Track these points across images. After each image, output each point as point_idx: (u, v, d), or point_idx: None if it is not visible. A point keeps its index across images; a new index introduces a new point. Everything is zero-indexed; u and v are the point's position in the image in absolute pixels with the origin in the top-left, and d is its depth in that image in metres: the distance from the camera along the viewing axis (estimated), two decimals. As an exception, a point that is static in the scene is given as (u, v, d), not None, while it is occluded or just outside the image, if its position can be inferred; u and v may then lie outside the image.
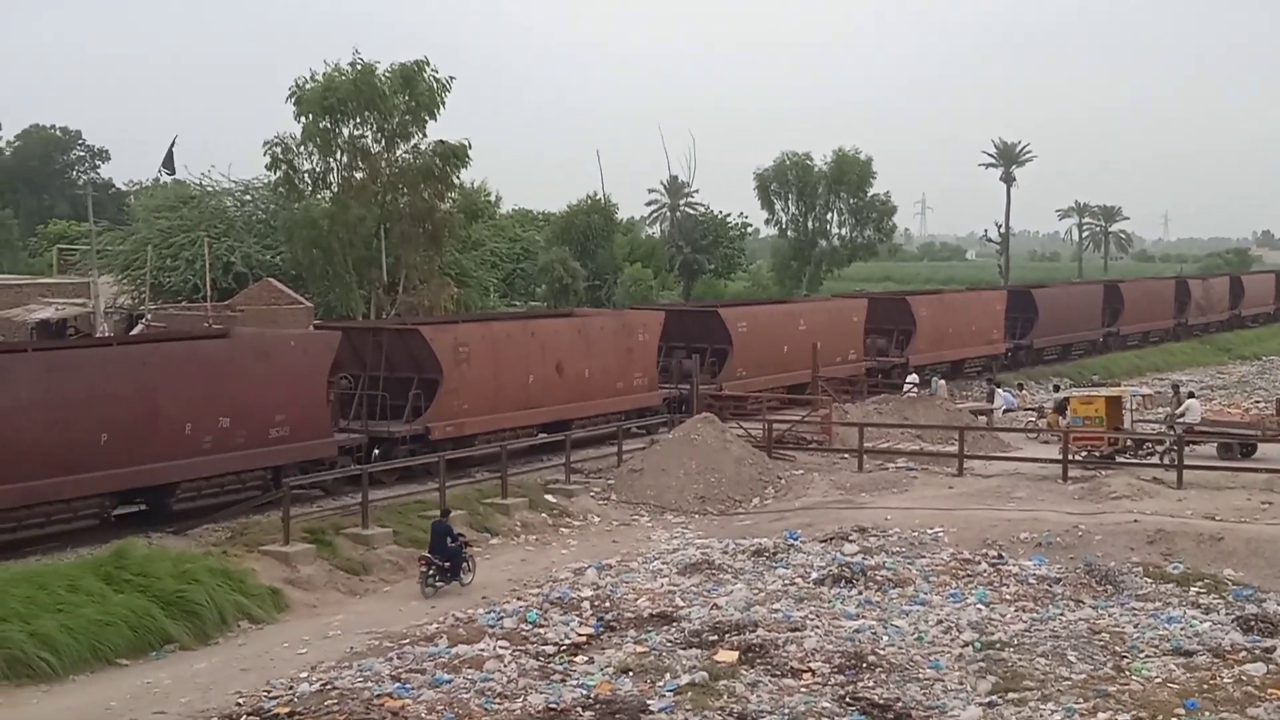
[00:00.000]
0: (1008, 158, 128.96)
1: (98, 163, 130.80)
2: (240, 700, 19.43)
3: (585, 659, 20.96)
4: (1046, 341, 66.03)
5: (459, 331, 36.48)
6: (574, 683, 19.71)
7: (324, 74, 51.91)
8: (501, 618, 23.18)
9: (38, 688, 20.09)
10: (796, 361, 47.26)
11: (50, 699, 19.74)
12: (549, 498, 32.14)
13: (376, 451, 33.10)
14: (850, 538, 28.39)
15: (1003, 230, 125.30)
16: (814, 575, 25.65)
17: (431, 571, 25.61)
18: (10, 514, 25.10)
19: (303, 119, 51.77)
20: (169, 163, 61.71)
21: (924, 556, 27.04)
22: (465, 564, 26.09)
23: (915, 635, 21.88)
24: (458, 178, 55.17)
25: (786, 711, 18.38)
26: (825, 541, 28.24)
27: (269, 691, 19.76)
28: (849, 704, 18.73)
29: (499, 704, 18.78)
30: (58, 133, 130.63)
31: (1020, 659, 20.63)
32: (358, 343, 34.43)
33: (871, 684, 19.57)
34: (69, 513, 26.20)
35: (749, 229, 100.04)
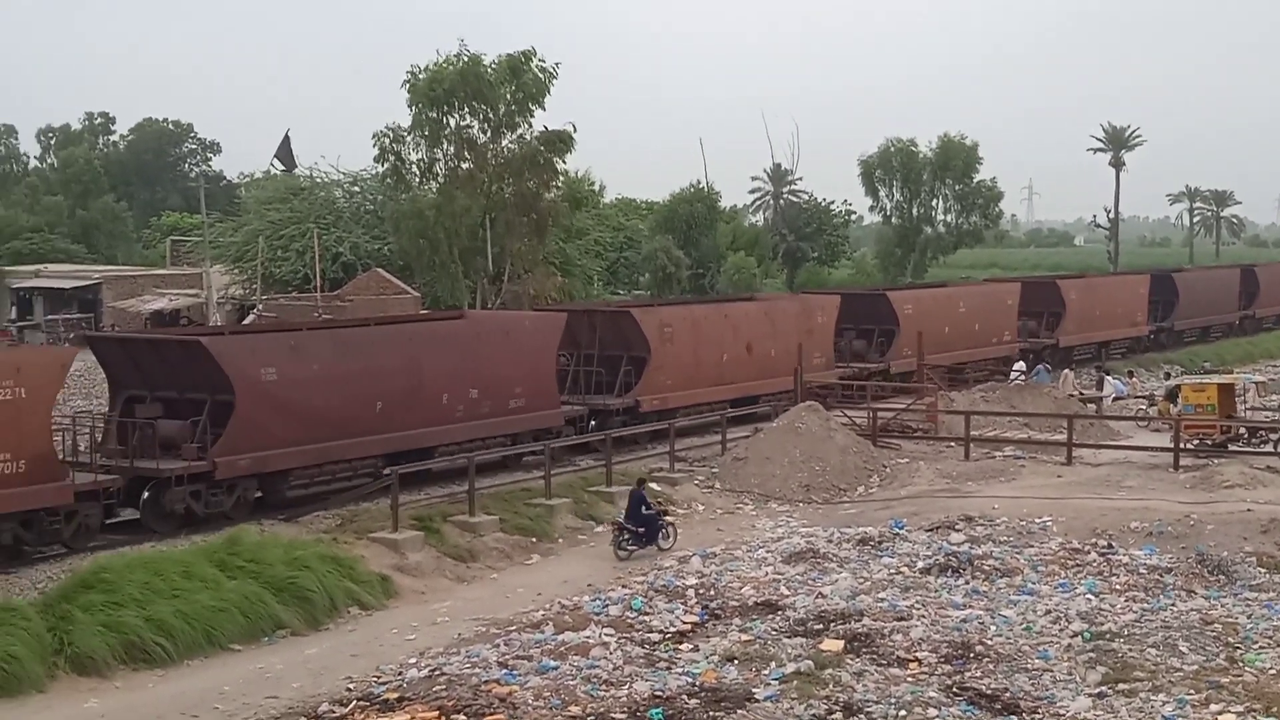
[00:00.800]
0: (1116, 142, 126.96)
1: (209, 155, 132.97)
2: (350, 685, 19.70)
3: (690, 647, 21.00)
4: (1186, 324, 67.84)
5: (664, 313, 40.61)
6: (679, 670, 19.76)
7: (432, 65, 52.36)
8: (607, 605, 23.29)
9: (154, 672, 20.51)
10: (958, 341, 50.85)
11: (166, 683, 20.14)
12: (654, 486, 32.19)
13: (593, 423, 36.09)
14: (957, 527, 28.18)
15: (1111, 215, 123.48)
16: (920, 564, 25.50)
17: (625, 537, 27.41)
18: (307, 471, 28.74)
19: (411, 109, 52.30)
20: (285, 156, 62.55)
21: (1032, 546, 26.76)
22: (664, 530, 27.81)
23: (1023, 625, 21.69)
24: (563, 162, 55.42)
25: (893, 701, 18.31)
26: (931, 530, 28.06)
27: (378, 677, 20.02)
28: (956, 694, 18.62)
29: (605, 691, 18.88)
30: (170, 126, 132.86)
31: (1130, 650, 20.38)
32: (573, 323, 37.42)
33: (979, 674, 19.43)
34: (350, 471, 29.62)
35: (853, 216, 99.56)
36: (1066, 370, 49.34)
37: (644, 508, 27.74)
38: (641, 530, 27.54)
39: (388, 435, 30.10)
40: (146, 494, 26.78)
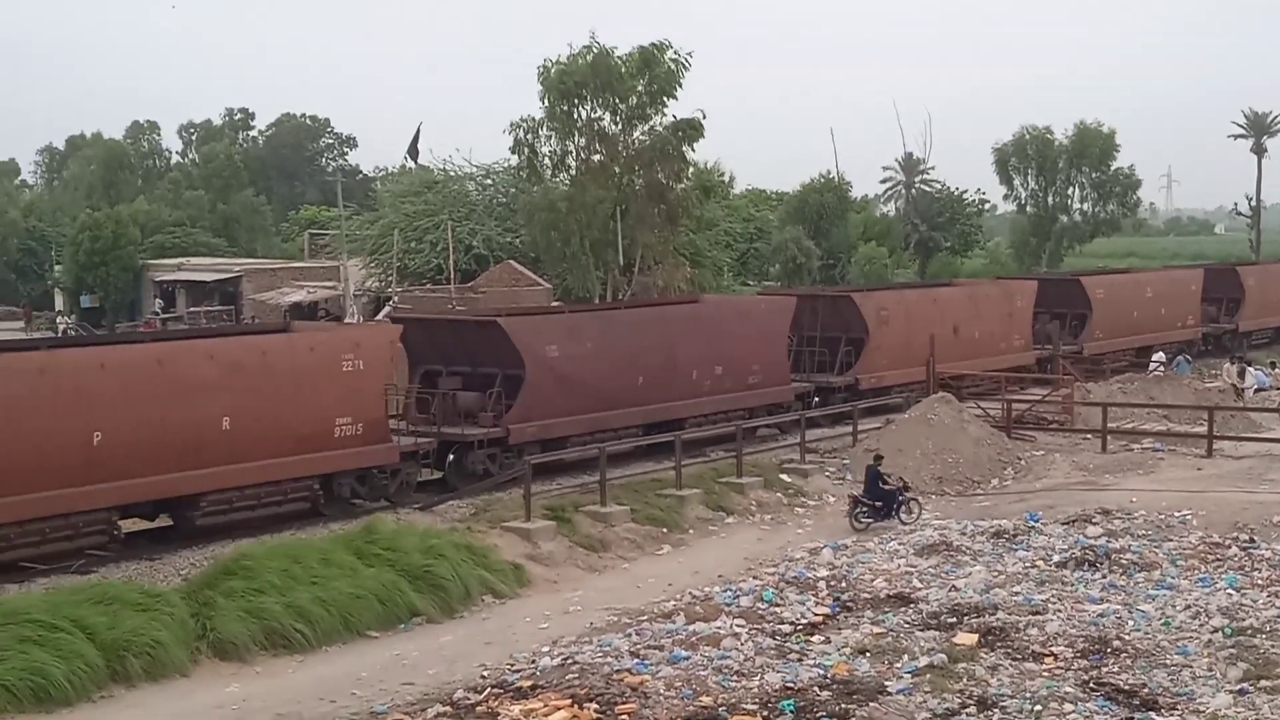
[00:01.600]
0: (1258, 128, 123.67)
1: (346, 149, 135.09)
2: (485, 673, 19.92)
3: (822, 639, 20.94)
4: None
5: (880, 298, 43.71)
6: (811, 662, 19.72)
7: (564, 58, 52.65)
8: (738, 596, 23.30)
9: (293, 657, 20.91)
10: (1145, 325, 52.99)
11: (305, 669, 20.53)
12: (784, 477, 32.17)
13: (816, 399, 39.03)
14: (1094, 520, 27.77)
15: (1253, 204, 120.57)
16: (1056, 558, 25.17)
17: (860, 510, 28.82)
18: (580, 438, 31.94)
19: (545, 102, 52.63)
20: (413, 150, 63.33)
21: (1171, 540, 26.30)
22: (905, 505, 29.05)
23: (1162, 620, 21.32)
24: (692, 150, 55.39)
25: (1028, 695, 18.11)
26: (1067, 524, 27.68)
27: (512, 665, 20.23)
28: (1093, 689, 18.36)
29: (736, 682, 18.90)
30: (308, 121, 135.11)
31: (1273, 646, 19.92)
32: (798, 307, 40.23)
33: (1116, 669, 19.14)
34: (616, 439, 32.63)
35: (986, 205, 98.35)
36: (1228, 363, 48.26)
37: (881, 482, 29.01)
38: (879, 504, 28.85)
39: (647, 407, 33.82)
40: (451, 456, 30.26)
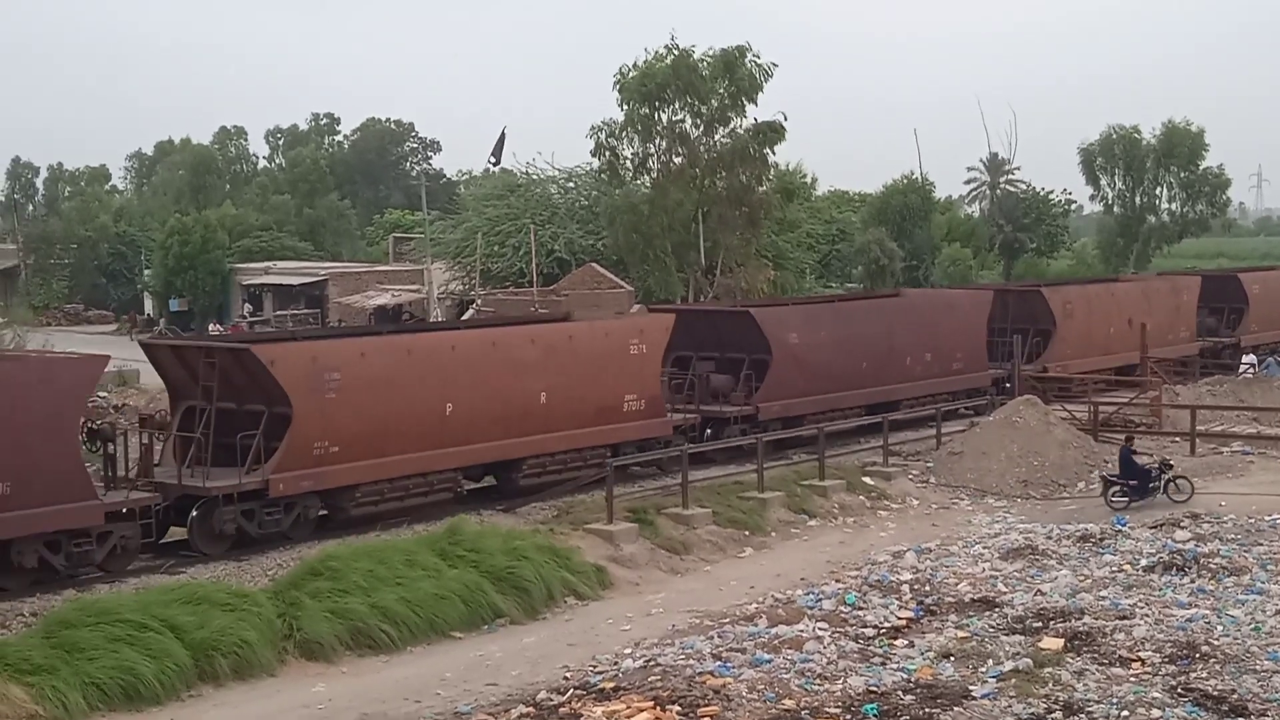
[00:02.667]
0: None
1: (429, 154, 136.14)
2: (567, 674, 19.99)
3: (905, 642, 20.84)
4: None
5: (1066, 292, 46.72)
6: (894, 666, 19.62)
7: (643, 61, 52.76)
8: (820, 599, 23.23)
9: (378, 658, 21.08)
10: None
11: (390, 669, 20.69)
12: (867, 480, 32.03)
13: (1008, 384, 41.14)
14: (1182, 524, 27.45)
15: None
16: (1143, 562, 24.90)
17: (1113, 490, 29.88)
18: (815, 416, 35.25)
19: (625, 106, 52.78)
20: (498, 153, 63.72)
21: (1261, 544, 25.93)
22: (1174, 483, 29.96)
23: (1252, 625, 21.02)
24: (773, 152, 55.33)
25: (1115, 701, 17.92)
26: (1155, 527, 27.38)
27: (595, 666, 20.28)
28: (1181, 695, 18.13)
29: (819, 685, 18.84)
30: (392, 126, 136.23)
31: (1367, 653, 19.60)
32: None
33: (1205, 675, 18.90)
34: (843, 417, 36.15)
35: (1073, 206, 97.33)
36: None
37: (1134, 462, 30.13)
38: (1134, 483, 29.74)
39: (869, 389, 37.43)
40: (710, 430, 33.57)
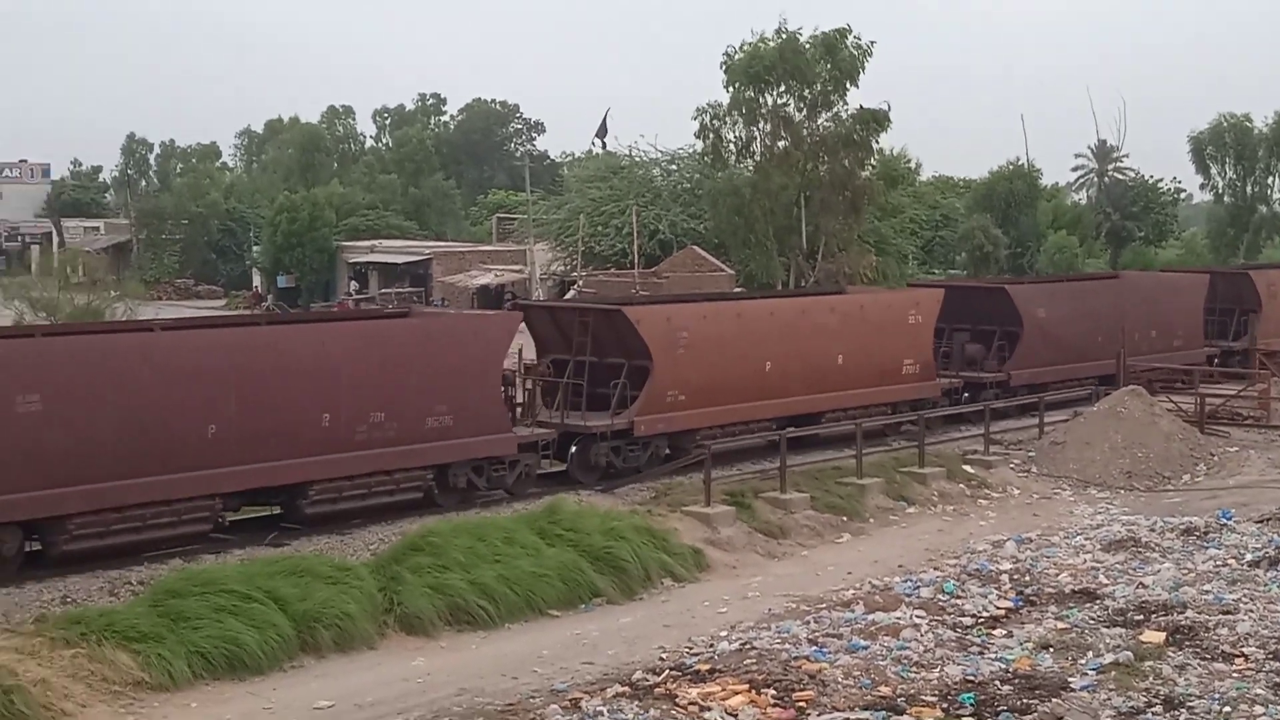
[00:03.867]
0: None
1: (534, 135, 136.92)
2: (663, 655, 20.07)
3: (1004, 632, 20.69)
4: None
5: (1271, 275, 49.35)
6: (992, 656, 19.50)
7: (750, 44, 52.68)
8: (918, 587, 23.13)
9: (476, 634, 21.27)
10: None
11: (488, 644, 20.89)
12: (967, 468, 31.81)
13: (1216, 360, 44.49)
14: (1289, 519, 27.01)
15: None
16: (1248, 557, 24.50)
17: None
18: (1055, 384, 38.72)
19: (730, 88, 52.74)
20: (602, 133, 63.93)
21: (1371, 542, 25.43)
22: None
23: (1360, 625, 20.64)
24: (877, 142, 55.06)
25: (1217, 696, 17.68)
26: (1261, 522, 26.94)
27: (690, 648, 20.34)
28: (1285, 692, 17.88)
29: (915, 673, 18.77)
30: (497, 106, 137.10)
31: None
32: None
33: (1311, 673, 18.61)
34: (1077, 384, 39.67)
35: (1182, 195, 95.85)
36: None
37: None
38: None
39: (1103, 360, 39.83)
40: (965, 395, 37.38)
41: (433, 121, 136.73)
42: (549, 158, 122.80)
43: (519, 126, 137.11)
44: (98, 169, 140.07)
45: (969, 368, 37.85)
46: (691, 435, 30.01)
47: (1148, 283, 46.42)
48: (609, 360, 29.54)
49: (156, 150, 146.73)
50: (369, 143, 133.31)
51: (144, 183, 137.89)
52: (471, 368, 26.52)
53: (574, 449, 28.84)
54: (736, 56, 52.94)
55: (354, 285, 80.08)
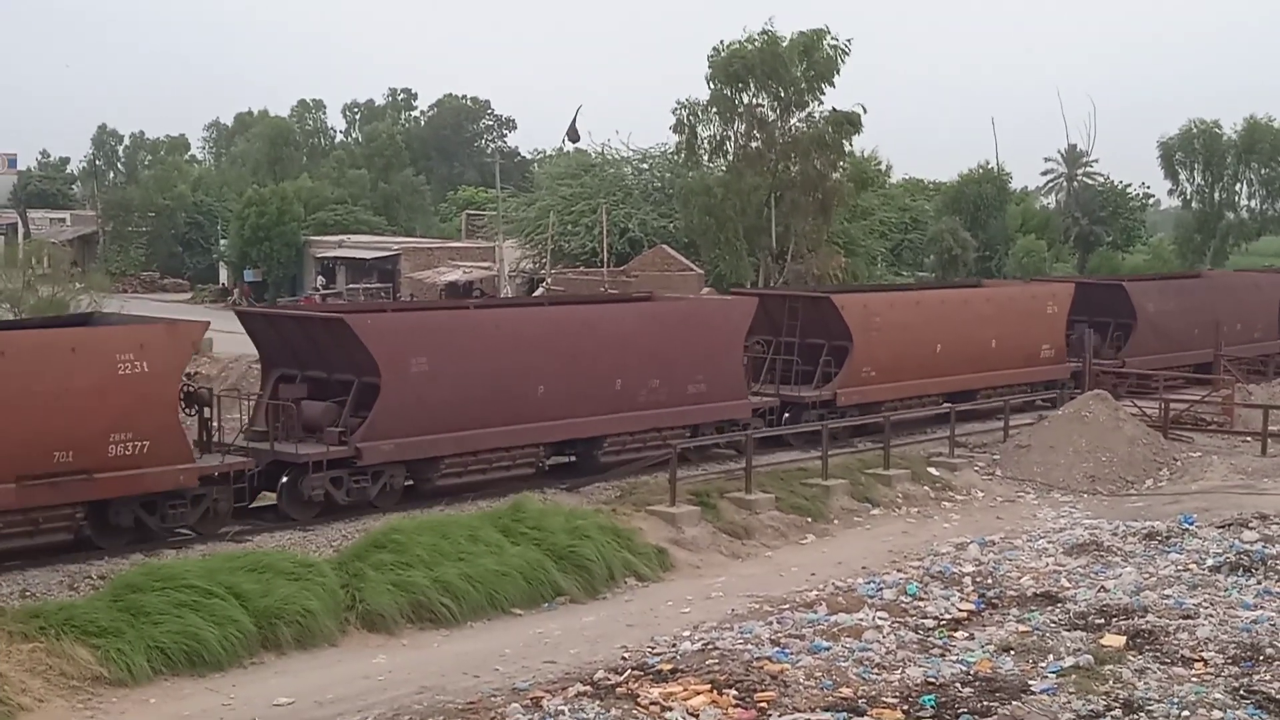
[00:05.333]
0: None
1: (505, 131, 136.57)
2: (625, 654, 20.06)
3: (965, 635, 20.75)
4: None
5: None
6: (953, 658, 19.55)
7: (733, 43, 52.75)
8: (881, 589, 23.18)
9: (438, 631, 21.25)
10: None
11: (450, 643, 20.86)
12: (932, 470, 31.90)
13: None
14: (1250, 524, 27.14)
15: None
16: (1209, 562, 24.63)
17: None
18: (1159, 374, 40.83)
19: (712, 85, 52.78)
20: (573, 132, 63.83)
21: (1331, 548, 25.58)
22: None
23: (1319, 630, 20.76)
24: (850, 144, 55.16)
25: (1175, 701, 17.76)
26: (1223, 527, 27.10)
27: (653, 648, 20.34)
28: (1243, 697, 17.94)
29: (877, 674, 18.81)
30: (468, 102, 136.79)
31: None
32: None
33: (1269, 677, 18.68)
34: (1183, 378, 42.70)
35: (1151, 200, 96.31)
36: None
37: None
38: None
39: (1200, 350, 44.18)
40: (1073, 386, 39.45)
41: (403, 117, 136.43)
42: (520, 155, 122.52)
43: (490, 123, 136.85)
44: (65, 160, 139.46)
45: (1092, 355, 41.24)
46: (878, 406, 33.88)
47: (1234, 281, 51.92)
48: (810, 340, 34.23)
49: (126, 142, 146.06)
50: (339, 137, 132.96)
51: (111, 174, 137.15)
52: (720, 343, 31.56)
53: (786, 415, 33.12)
54: (722, 54, 52.99)
55: (321, 280, 79.76)
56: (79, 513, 22.17)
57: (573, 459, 29.71)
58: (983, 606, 22.30)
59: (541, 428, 28.08)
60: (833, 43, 52.75)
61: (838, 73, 52.92)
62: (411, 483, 26.76)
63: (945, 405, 34.96)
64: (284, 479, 24.94)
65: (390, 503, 25.95)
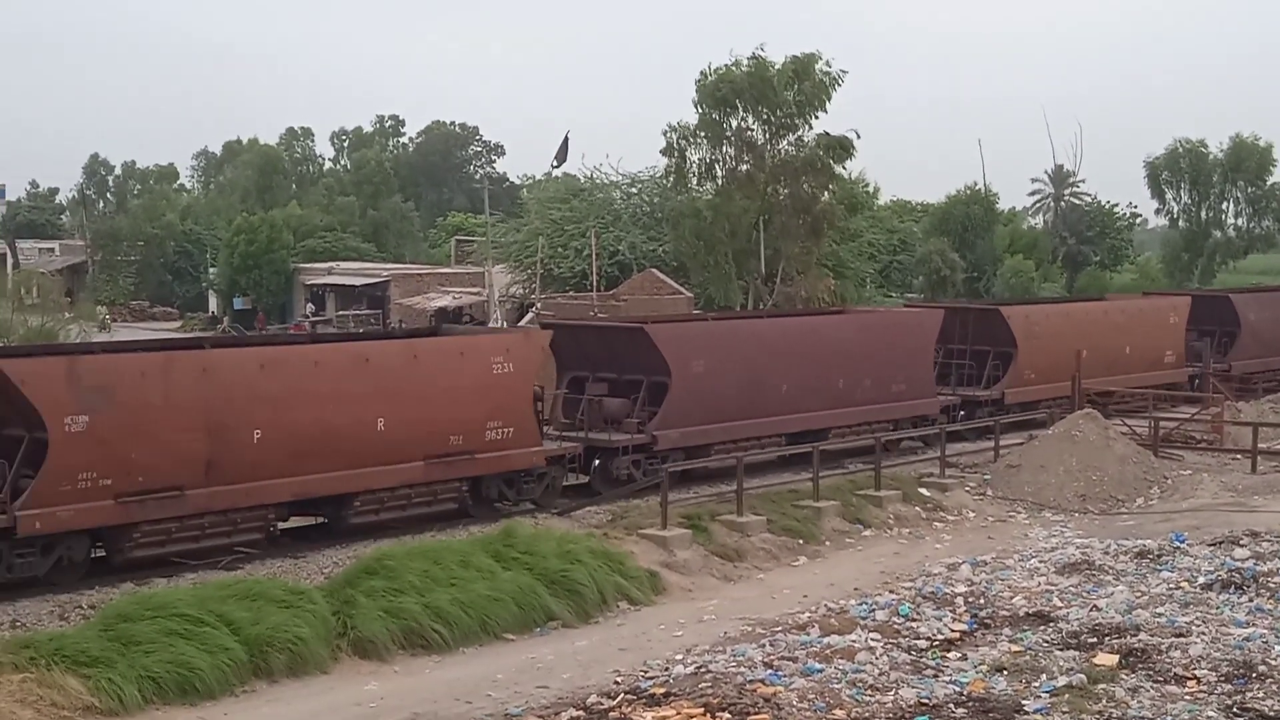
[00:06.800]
0: None
1: (494, 157, 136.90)
2: (618, 679, 20.00)
3: (958, 655, 20.73)
4: None
5: None
6: (946, 679, 19.52)
7: (721, 67, 52.91)
8: (874, 610, 23.15)
9: (430, 658, 21.18)
10: None
11: (442, 669, 20.79)
12: (923, 491, 31.89)
13: None
14: (1241, 542, 27.13)
15: None
16: (1201, 579, 24.64)
17: None
18: (1261, 374, 48.31)
19: (699, 110, 52.91)
20: (562, 156, 63.86)
21: (1322, 564, 25.59)
22: None
23: (1311, 647, 20.76)
24: (844, 167, 55.31)
25: (1169, 718, 17.77)
26: (1214, 545, 27.09)
27: (645, 672, 20.29)
28: (1236, 714, 17.94)
29: (870, 696, 18.78)
30: (457, 129, 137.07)
31: None
32: None
33: (1261, 695, 18.67)
34: (1275, 379, 48.87)
35: (1138, 219, 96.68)
36: None
37: None
38: None
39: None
40: (1198, 382, 45.27)
41: (391, 143, 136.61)
42: (508, 180, 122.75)
43: (478, 149, 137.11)
44: (54, 190, 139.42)
45: (1199, 360, 46.21)
46: (1036, 404, 39.01)
47: None
48: (977, 347, 39.25)
49: (117, 171, 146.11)
50: (327, 164, 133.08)
51: (101, 204, 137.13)
52: (916, 349, 36.76)
53: (961, 412, 38.41)
54: (710, 78, 53.13)
55: (311, 307, 79.78)
56: (465, 486, 27.35)
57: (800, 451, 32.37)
58: (975, 627, 22.27)
59: (783, 420, 33.29)
60: (825, 69, 52.90)
61: (829, 99, 53.08)
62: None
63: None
64: (596, 461, 30.05)
65: (673, 481, 28.49)
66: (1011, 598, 23.94)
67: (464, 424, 26.81)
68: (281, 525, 25.52)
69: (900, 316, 41.04)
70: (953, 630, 22.02)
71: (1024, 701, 18.44)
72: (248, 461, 23.79)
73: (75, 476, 21.84)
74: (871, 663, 20.14)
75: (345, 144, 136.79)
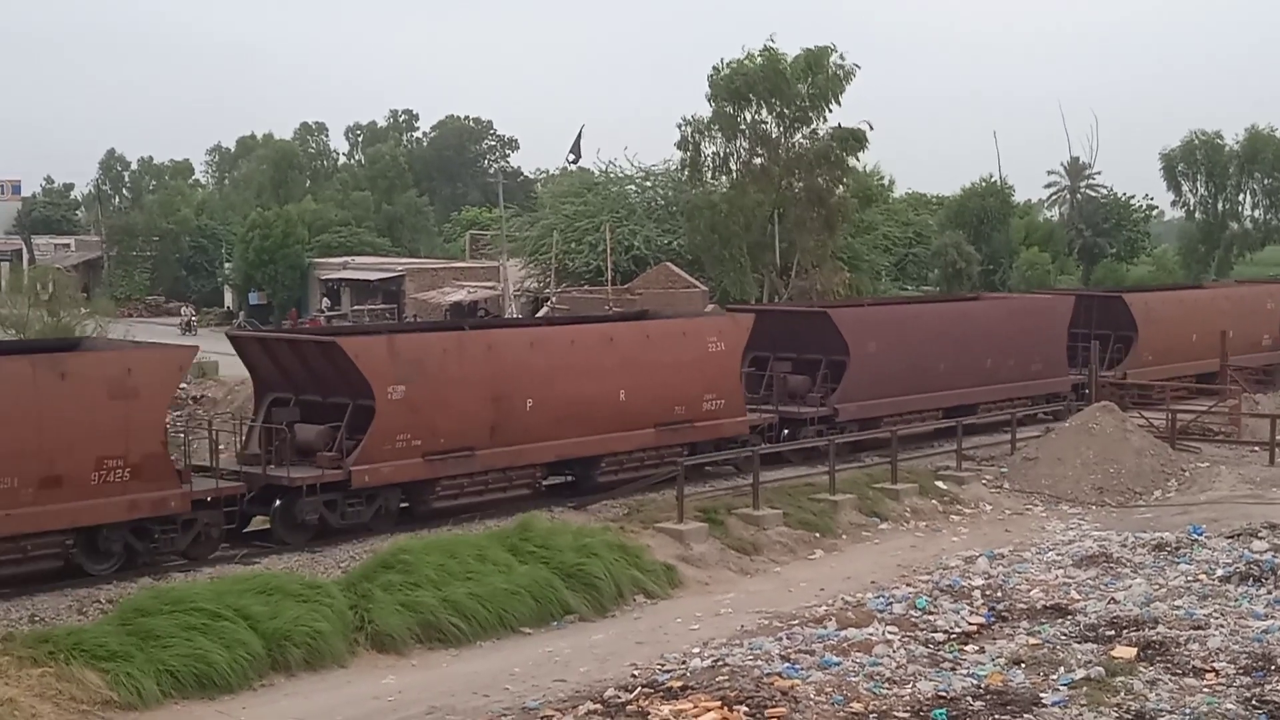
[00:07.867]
0: None
1: (508, 152, 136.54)
2: (635, 672, 20.02)
3: (976, 648, 20.71)
4: None
5: None
6: (964, 672, 19.51)
7: (734, 61, 52.85)
8: (891, 603, 23.13)
9: (448, 651, 21.22)
10: None
11: (459, 662, 20.82)
12: (940, 484, 31.84)
13: None
14: (1259, 534, 27.05)
15: None
16: (1219, 572, 24.58)
17: None
18: None
19: (712, 104, 52.88)
20: (576, 150, 63.84)
21: (1341, 557, 25.51)
22: None
23: (1330, 639, 20.69)
24: (857, 159, 55.22)
25: (1188, 712, 17.71)
26: (1232, 537, 27.02)
27: (663, 665, 20.30)
28: (1255, 707, 17.89)
29: (888, 689, 18.76)
30: (471, 123, 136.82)
31: None
32: None
33: (1280, 688, 18.66)
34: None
35: (1154, 211, 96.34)
36: None
37: None
38: None
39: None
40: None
41: (406, 138, 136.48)
42: (523, 174, 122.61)
43: (492, 143, 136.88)
44: (70, 186, 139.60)
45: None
46: (1149, 388, 40.56)
47: None
48: (1099, 332, 41.64)
49: (133, 167, 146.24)
50: (342, 159, 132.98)
51: (116, 199, 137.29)
52: (1051, 331, 39.74)
53: (1087, 391, 39.14)
54: (723, 72, 53.09)
55: (326, 302, 79.83)
56: (685, 451, 29.87)
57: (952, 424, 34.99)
58: (992, 619, 22.26)
59: (941, 396, 36.43)
60: (839, 62, 52.82)
61: (843, 91, 53.00)
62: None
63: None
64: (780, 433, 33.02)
65: (846, 451, 32.01)
66: (1029, 590, 23.91)
67: (686, 395, 30.12)
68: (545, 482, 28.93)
69: (1039, 303, 43.39)
70: (970, 623, 22.00)
71: (1042, 694, 18.41)
72: (522, 426, 27.39)
73: (394, 437, 25.52)
74: (889, 656, 20.13)
75: (359, 139, 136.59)
